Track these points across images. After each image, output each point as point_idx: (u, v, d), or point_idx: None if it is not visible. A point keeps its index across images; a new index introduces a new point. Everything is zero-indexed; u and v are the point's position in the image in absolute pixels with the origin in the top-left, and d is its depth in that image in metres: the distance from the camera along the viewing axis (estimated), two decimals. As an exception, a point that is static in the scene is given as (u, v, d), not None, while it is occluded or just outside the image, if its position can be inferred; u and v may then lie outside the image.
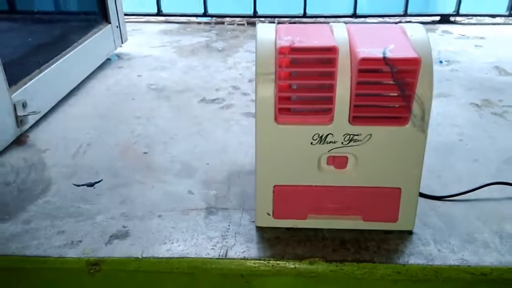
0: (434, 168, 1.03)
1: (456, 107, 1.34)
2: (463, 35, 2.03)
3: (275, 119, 0.76)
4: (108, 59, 1.75)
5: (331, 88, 0.73)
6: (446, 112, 1.32)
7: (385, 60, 0.69)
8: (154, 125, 1.24)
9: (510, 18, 2.19)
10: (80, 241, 0.83)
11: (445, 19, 2.21)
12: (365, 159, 0.78)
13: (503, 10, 2.20)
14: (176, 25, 2.22)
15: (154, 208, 0.90)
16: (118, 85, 1.51)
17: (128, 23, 2.18)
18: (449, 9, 2.24)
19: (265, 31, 0.79)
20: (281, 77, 0.73)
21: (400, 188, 0.80)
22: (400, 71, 0.69)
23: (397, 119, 0.75)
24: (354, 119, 0.75)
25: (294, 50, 0.72)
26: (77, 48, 1.47)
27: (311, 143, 0.77)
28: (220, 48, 1.88)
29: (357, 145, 0.77)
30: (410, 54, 0.70)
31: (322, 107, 0.75)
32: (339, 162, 0.79)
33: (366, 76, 0.71)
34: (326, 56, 0.72)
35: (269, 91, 0.74)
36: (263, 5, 2.23)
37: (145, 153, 1.10)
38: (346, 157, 0.79)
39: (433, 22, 2.22)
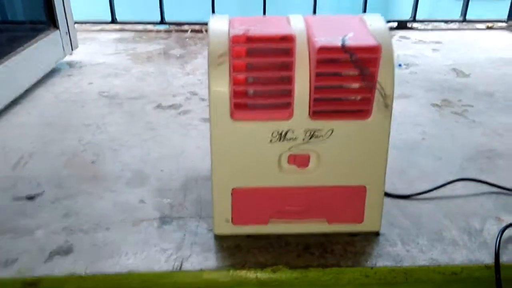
0: (398, 166, 1.00)
1: (417, 107, 1.33)
2: (420, 40, 2.06)
3: (231, 115, 0.71)
4: (58, 67, 1.65)
5: (289, 80, 0.69)
6: (407, 112, 1.30)
7: (344, 48, 0.65)
8: (105, 133, 1.15)
9: (464, 23, 2.24)
10: (16, 259, 0.73)
11: (402, 25, 2.24)
12: (328, 156, 0.74)
13: (457, 16, 2.25)
14: (132, 33, 2.14)
15: (101, 220, 0.82)
16: (67, 93, 1.42)
17: (80, 32, 2.09)
18: (406, 16, 2.27)
19: (218, 22, 0.74)
20: (236, 69, 0.68)
21: (365, 186, 0.76)
22: (360, 59, 0.66)
23: (359, 112, 0.71)
24: (315, 114, 0.70)
25: (249, 39, 0.67)
26: (21, 54, 1.37)
27: (270, 140, 0.72)
28: (178, 55, 1.82)
29: (319, 141, 0.72)
30: (370, 41, 0.67)
31: (280, 101, 0.70)
32: (300, 160, 0.74)
33: (325, 66, 0.67)
34: (282, 46, 0.67)
35: (223, 84, 0.69)
36: (222, 11, 2.19)
37: (93, 162, 1.02)
38: (308, 155, 0.74)
39: (391, 29, 2.24)
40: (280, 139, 0.72)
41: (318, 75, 0.68)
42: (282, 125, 0.72)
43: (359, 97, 0.70)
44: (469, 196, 0.91)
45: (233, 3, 2.83)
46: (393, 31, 2.20)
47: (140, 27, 2.22)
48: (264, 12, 2.17)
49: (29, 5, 1.65)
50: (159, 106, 1.32)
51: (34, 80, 1.45)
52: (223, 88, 0.69)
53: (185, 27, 2.20)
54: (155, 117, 1.25)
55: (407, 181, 0.95)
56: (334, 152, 0.73)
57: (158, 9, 2.18)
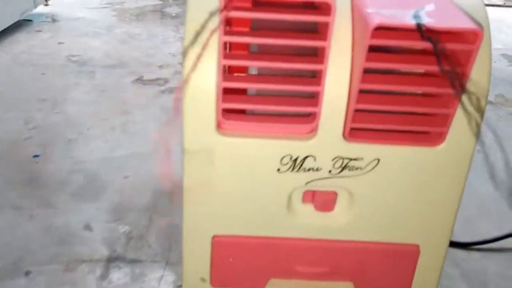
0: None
1: (467, 104, 1.04)
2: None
3: (217, 126, 0.43)
4: (28, 20, 1.36)
5: (317, 78, 0.41)
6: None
7: (420, 30, 0.37)
8: (61, 113, 0.89)
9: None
10: None
11: None
12: (366, 199, 0.47)
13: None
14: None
15: (22, 257, 0.56)
16: (28, 54, 1.14)
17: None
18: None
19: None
20: (228, 54, 0.40)
21: (418, 246, 0.49)
22: (447, 51, 0.37)
23: (425, 134, 0.44)
24: (353, 133, 0.43)
25: (248, 2, 0.39)
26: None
27: (278, 169, 0.45)
28: (173, 14, 1.52)
29: (355, 175, 0.45)
30: (466, 22, 0.38)
31: (299, 109, 0.42)
32: (322, 200, 0.48)
33: (381, 58, 0.39)
34: (310, 18, 0.39)
35: (206, 77, 0.41)
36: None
37: (35, 156, 0.75)
38: (335, 193, 0.47)
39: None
40: (293, 168, 0.45)
41: (368, 72, 0.40)
42: (299, 148, 0.44)
43: (430, 110, 0.42)
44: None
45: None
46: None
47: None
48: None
49: None
50: (139, 80, 1.05)
51: (-12, 35, 1.17)
52: (205, 83, 0.41)
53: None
54: (132, 95, 0.98)
55: (463, 220, 0.68)
56: (377, 193, 0.46)
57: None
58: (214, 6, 0.39)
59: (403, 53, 0.41)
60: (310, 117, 0.43)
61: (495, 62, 1.33)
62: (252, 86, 0.43)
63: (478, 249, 0.63)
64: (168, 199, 0.67)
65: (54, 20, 1.40)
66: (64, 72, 1.06)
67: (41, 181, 0.70)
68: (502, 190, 0.75)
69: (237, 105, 0.43)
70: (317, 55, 0.41)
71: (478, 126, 0.44)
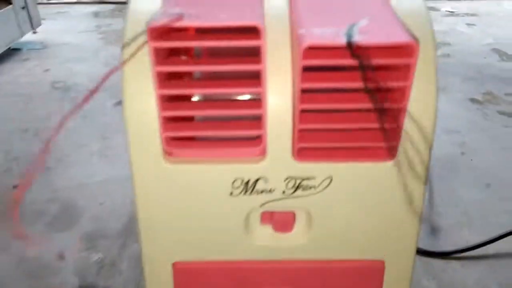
0: (430, 198, 0.72)
1: (452, 104, 1.03)
2: (451, 11, 1.73)
3: (165, 153, 0.43)
4: (17, 49, 1.38)
5: (258, 101, 0.40)
6: (440, 111, 1.00)
7: (351, 47, 0.36)
8: (42, 142, 0.89)
9: (504, -9, 1.89)
10: None
11: (429, -7, 1.89)
12: (324, 217, 0.46)
13: (496, -17, 1.90)
14: (111, 6, 1.85)
15: (-6, 290, 0.56)
16: (14, 84, 1.16)
17: (52, 5, 1.81)
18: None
19: None
20: (164, 83, 0.40)
21: (383, 261, 0.48)
22: (378, 67, 0.37)
23: (375, 150, 0.43)
24: (302, 152, 0.42)
25: (175, 31, 0.39)
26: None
27: (231, 193, 0.45)
28: (160, 33, 1.52)
29: (310, 194, 0.45)
30: (398, 36, 0.37)
31: (245, 133, 0.42)
32: (280, 221, 0.47)
33: (316, 78, 0.38)
34: (244, 43, 0.38)
35: (147, 104, 0.41)
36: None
37: (15, 186, 0.76)
38: (293, 213, 0.46)
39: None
40: (246, 191, 0.45)
41: (305, 92, 0.39)
42: (250, 170, 0.44)
43: (374, 125, 0.41)
44: (536, 253, 0.62)
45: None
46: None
47: (122, -2, 1.93)
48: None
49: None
50: (120, 103, 1.05)
51: (-25, 67, 1.19)
52: (148, 112, 0.41)
53: None
54: (112, 119, 0.98)
55: (444, 228, 0.67)
56: (335, 211, 0.46)
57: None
58: (143, 37, 0.39)
59: (342, 70, 0.40)
60: (258, 140, 0.43)
61: (485, 57, 1.31)
62: (193, 113, 0.43)
63: (458, 258, 0.62)
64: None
65: (43, 46, 1.42)
66: (48, 99, 1.07)
67: (19, 211, 0.70)
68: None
69: (181, 133, 0.42)
70: (256, 78, 0.41)
71: (424, 141, 0.43)
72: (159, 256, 0.49)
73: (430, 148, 0.42)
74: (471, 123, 0.96)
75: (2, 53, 1.29)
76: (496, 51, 1.35)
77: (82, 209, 0.71)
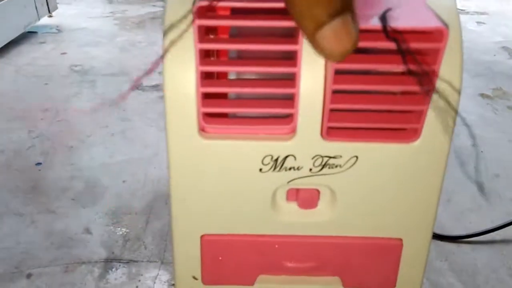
0: (443, 187, 0.74)
1: (463, 99, 1.04)
2: (462, 9, 1.74)
3: (200, 129, 0.45)
4: (33, 32, 1.40)
5: (293, 80, 0.43)
6: (451, 105, 1.02)
7: (385, 30, 0.38)
8: (63, 122, 0.91)
9: (514, -10, 1.90)
10: None
11: (440, -9, 1.91)
12: (348, 195, 0.48)
13: (506, -18, 1.91)
14: (125, -6, 1.86)
15: (23, 260, 0.59)
16: (32, 66, 1.18)
17: (65, -11, 1.82)
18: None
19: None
20: (204, 60, 0.42)
21: (401, 240, 0.51)
22: (412, 50, 0.39)
23: (401, 131, 0.45)
24: (330, 132, 0.44)
25: (226, 10, 0.41)
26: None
27: (260, 169, 0.47)
28: (174, 21, 1.54)
29: (335, 173, 0.47)
30: (430, 21, 0.40)
31: (277, 111, 0.44)
32: (305, 198, 0.49)
33: (350, 60, 0.40)
34: (282, 24, 0.40)
35: (186, 83, 0.43)
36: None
37: (38, 164, 0.78)
38: (318, 190, 0.49)
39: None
40: (275, 167, 0.47)
41: (338, 73, 0.41)
42: (279, 148, 0.46)
43: (402, 108, 0.44)
44: (543, 240, 0.65)
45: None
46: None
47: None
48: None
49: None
50: (139, 86, 1.07)
51: (-6, 48, 1.21)
52: (187, 88, 0.43)
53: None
54: (131, 102, 1.00)
55: (455, 213, 0.69)
56: (358, 189, 0.48)
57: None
58: (189, 16, 0.41)
59: (377, 53, 0.42)
60: (289, 119, 0.45)
61: (494, 55, 1.33)
62: (229, 90, 0.45)
63: (469, 242, 0.64)
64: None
65: (58, 30, 1.43)
66: (66, 82, 1.09)
67: (43, 188, 0.73)
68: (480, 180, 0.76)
69: (217, 109, 0.44)
70: (292, 60, 0.43)
71: (452, 123, 0.45)
72: (188, 228, 0.51)
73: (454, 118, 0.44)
74: (481, 117, 0.98)
75: (19, 36, 1.31)
76: (506, 49, 1.37)
77: (105, 187, 0.73)
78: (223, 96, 0.47)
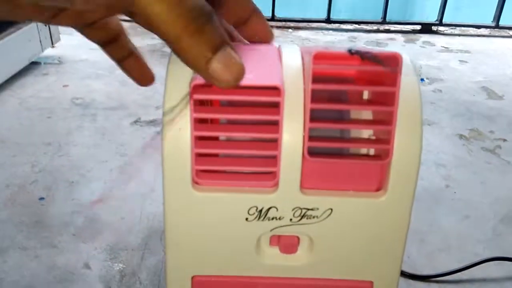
0: (416, 228, 0.80)
1: (441, 138, 1.12)
2: (446, 47, 1.83)
3: (193, 181, 0.51)
4: (36, 63, 1.46)
5: (274, 143, 0.49)
6: (430, 145, 1.10)
7: (350, 52, 0.45)
8: (65, 156, 0.97)
9: (496, 29, 2.00)
10: None
11: (426, 28, 2.00)
12: (324, 242, 0.54)
13: (489, 21, 2.01)
14: (127, 24, 1.93)
15: (28, 293, 0.64)
16: (35, 98, 1.24)
17: (68, 20, 1.90)
18: (430, 17, 2.04)
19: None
20: (198, 126, 0.48)
21: (371, 282, 0.56)
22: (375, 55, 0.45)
23: (369, 184, 0.51)
24: (306, 187, 0.51)
25: (205, 87, 0.47)
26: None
27: (246, 218, 0.53)
28: (171, 54, 1.61)
29: (313, 223, 0.53)
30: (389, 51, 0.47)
31: (261, 169, 0.50)
32: (287, 244, 0.55)
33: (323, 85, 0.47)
34: (266, 99, 0.47)
35: (181, 142, 0.49)
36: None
37: (41, 198, 0.83)
38: (297, 237, 0.55)
39: (414, 31, 2.01)
40: (259, 217, 0.53)
41: (311, 138, 0.48)
42: (263, 200, 0.52)
43: (371, 154, 0.50)
44: (505, 280, 0.71)
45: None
46: (416, 35, 1.97)
47: (135, 16, 2.02)
48: (273, 7, 1.95)
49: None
50: (137, 122, 1.13)
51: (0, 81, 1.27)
52: (181, 148, 0.49)
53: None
54: (129, 137, 1.06)
55: (426, 253, 0.75)
56: (333, 237, 0.54)
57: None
58: (185, 90, 0.47)
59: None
60: (272, 175, 0.51)
61: (473, 95, 1.40)
62: (219, 151, 0.51)
63: (437, 281, 0.70)
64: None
65: (60, 62, 1.50)
66: (68, 115, 1.15)
67: (46, 223, 0.78)
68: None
69: (209, 167, 0.50)
70: (275, 124, 0.49)
71: (414, 180, 0.51)
72: (181, 269, 0.56)
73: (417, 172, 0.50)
74: (457, 158, 1.05)
75: (25, 67, 1.38)
76: (485, 89, 1.44)
77: (104, 222, 0.78)
78: (215, 155, 0.53)
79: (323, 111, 0.50)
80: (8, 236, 0.74)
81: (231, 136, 0.52)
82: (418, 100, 0.52)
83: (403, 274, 0.70)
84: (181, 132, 0.49)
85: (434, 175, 0.97)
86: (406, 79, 0.49)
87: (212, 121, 0.54)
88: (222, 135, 0.52)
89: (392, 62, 0.47)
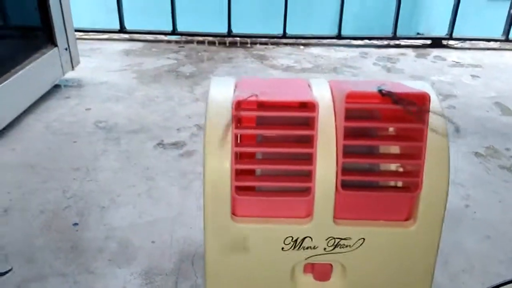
0: (439, 248, 0.82)
1: (458, 157, 1.14)
2: (457, 62, 1.85)
3: (233, 212, 0.54)
4: (57, 85, 1.50)
5: (309, 160, 0.52)
6: (446, 164, 1.11)
7: (381, 92, 0.48)
8: (94, 181, 1.00)
9: (506, 43, 2.02)
10: None
11: (437, 42, 2.03)
12: (356, 269, 0.57)
13: (499, 34, 2.03)
14: (141, 44, 1.99)
15: (71, 319, 0.67)
16: (60, 122, 1.27)
17: (84, 41, 1.95)
18: (440, 30, 2.06)
19: (220, 84, 0.58)
20: (238, 142, 0.52)
21: (402, 307, 0.59)
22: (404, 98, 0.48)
23: (399, 214, 0.54)
24: (340, 217, 0.53)
25: (254, 104, 0.50)
26: (10, 79, 1.22)
27: (282, 248, 0.56)
28: (187, 74, 1.66)
29: (346, 251, 0.56)
30: (414, 90, 0.50)
31: (296, 185, 0.53)
32: (320, 271, 0.58)
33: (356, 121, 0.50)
34: (299, 114, 0.50)
35: (223, 168, 0.52)
36: (238, 24, 2.02)
37: (75, 224, 0.87)
38: (330, 265, 0.57)
39: (424, 46, 2.03)
40: (295, 246, 0.56)
41: (344, 170, 0.50)
42: (298, 230, 0.55)
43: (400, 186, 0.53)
44: (530, 301, 0.72)
45: (252, 13, 2.64)
46: (427, 50, 1.99)
47: (150, 37, 2.06)
48: (285, 25, 1.99)
49: (20, 16, 1.47)
50: (160, 144, 1.17)
51: (24, 106, 1.31)
52: (223, 174, 0.52)
53: (198, 38, 2.03)
54: (154, 160, 1.09)
55: (450, 274, 0.77)
56: (365, 265, 0.56)
57: (170, 18, 2.02)
58: (227, 117, 0.50)
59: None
60: (307, 203, 0.54)
61: (487, 111, 1.42)
62: (257, 167, 0.54)
63: (462, 303, 0.72)
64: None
65: (79, 85, 1.54)
66: (93, 140, 1.19)
67: (81, 248, 0.81)
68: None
69: (247, 183, 0.53)
70: (309, 141, 0.52)
71: (442, 211, 0.54)
72: (220, 296, 0.59)
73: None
74: (475, 177, 1.07)
75: (48, 90, 1.42)
76: (498, 104, 1.46)
77: (137, 247, 0.81)
78: (250, 173, 0.55)
79: (353, 146, 0.53)
80: (46, 263, 0.77)
81: (267, 152, 0.54)
82: (445, 135, 0.55)
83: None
84: (223, 163, 0.52)
85: (453, 194, 0.99)
86: (432, 115, 0.52)
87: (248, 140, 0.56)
88: (261, 151, 0.54)
89: (420, 101, 0.50)
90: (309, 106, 0.51)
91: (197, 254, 0.80)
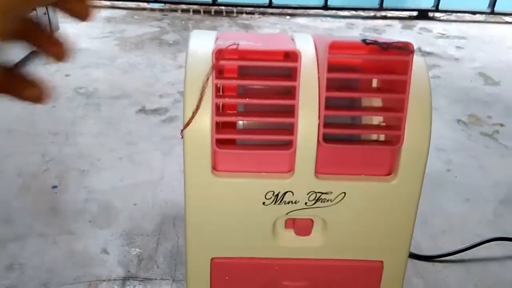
0: (419, 210, 0.83)
1: (441, 124, 1.15)
2: (443, 34, 1.85)
3: (213, 167, 0.54)
4: (35, 51, 1.46)
5: (292, 112, 0.51)
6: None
7: (365, 42, 0.47)
8: (74, 145, 0.98)
9: (491, 15, 2.02)
10: None
11: (423, 14, 2.02)
12: (337, 224, 0.57)
13: (484, 7, 2.03)
14: (124, 11, 1.94)
15: (50, 278, 0.66)
16: (39, 88, 1.24)
17: (65, 8, 1.89)
18: (427, 3, 2.05)
19: (201, 36, 0.56)
20: (219, 94, 0.50)
21: (382, 262, 0.59)
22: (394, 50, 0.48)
23: (380, 168, 0.54)
24: (321, 171, 0.53)
25: (235, 53, 0.49)
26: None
27: (264, 203, 0.55)
28: (171, 42, 1.62)
29: (327, 206, 0.55)
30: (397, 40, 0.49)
31: (278, 138, 0.52)
32: (301, 227, 0.58)
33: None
34: (281, 65, 0.49)
35: (203, 121, 0.51)
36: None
37: (54, 187, 0.85)
38: (311, 220, 0.57)
39: (410, 18, 2.02)
40: (276, 201, 0.55)
41: (327, 125, 0.50)
42: (280, 185, 0.54)
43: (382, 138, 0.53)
44: (507, 259, 0.74)
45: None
46: (413, 21, 1.98)
47: (133, 4, 2.01)
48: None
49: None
50: (142, 110, 1.15)
51: (2, 70, 1.27)
52: (203, 126, 0.51)
53: (182, 6, 1.99)
54: (135, 126, 1.08)
55: (430, 235, 0.78)
56: (346, 220, 0.56)
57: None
58: (207, 67, 0.49)
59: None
60: (288, 157, 0.53)
61: (471, 81, 1.43)
62: (238, 119, 0.53)
63: (441, 261, 0.73)
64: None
65: (60, 51, 1.49)
66: (72, 105, 1.16)
67: (61, 210, 0.80)
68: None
69: (227, 136, 0.52)
70: (290, 93, 0.51)
71: (423, 166, 0.54)
72: (201, 252, 0.59)
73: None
74: (457, 143, 1.08)
75: (25, 58, 1.37)
76: (482, 75, 1.47)
77: (118, 209, 0.80)
78: (230, 126, 0.54)
79: (335, 98, 0.52)
80: (25, 224, 0.76)
81: (249, 104, 0.53)
82: (427, 88, 0.55)
83: (409, 255, 0.73)
84: (202, 118, 0.51)
85: (435, 159, 1.00)
86: (415, 68, 0.52)
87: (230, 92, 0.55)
88: (242, 103, 0.53)
89: (404, 50, 0.49)
90: (291, 56, 0.50)
91: (179, 216, 0.79)
